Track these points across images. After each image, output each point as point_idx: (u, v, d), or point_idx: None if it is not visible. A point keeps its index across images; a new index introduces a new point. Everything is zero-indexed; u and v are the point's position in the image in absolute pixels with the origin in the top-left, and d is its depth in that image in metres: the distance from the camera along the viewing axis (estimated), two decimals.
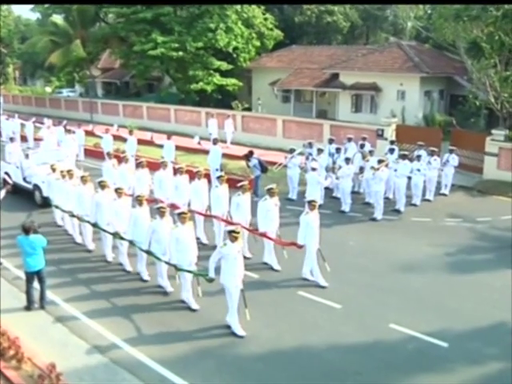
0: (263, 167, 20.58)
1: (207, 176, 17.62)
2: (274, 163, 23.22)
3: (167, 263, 12.06)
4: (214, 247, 12.21)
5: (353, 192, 19.51)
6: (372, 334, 10.67)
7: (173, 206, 15.06)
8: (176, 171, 16.74)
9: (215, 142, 22.01)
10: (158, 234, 12.20)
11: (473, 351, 10.08)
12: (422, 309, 11.67)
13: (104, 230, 14.15)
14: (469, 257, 14.88)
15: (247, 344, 10.34)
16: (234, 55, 40.20)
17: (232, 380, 9.28)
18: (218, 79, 38.51)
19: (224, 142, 28.46)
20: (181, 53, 36.70)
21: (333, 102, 38.57)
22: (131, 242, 13.05)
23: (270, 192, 13.77)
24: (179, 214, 11.80)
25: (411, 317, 11.31)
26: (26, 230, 11.47)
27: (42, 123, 29.81)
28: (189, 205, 15.54)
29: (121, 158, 19.10)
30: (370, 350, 10.07)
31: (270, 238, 13.58)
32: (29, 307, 11.68)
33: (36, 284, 11.78)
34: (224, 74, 39.32)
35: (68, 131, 26.84)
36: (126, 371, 9.44)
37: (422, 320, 11.17)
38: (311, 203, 12.87)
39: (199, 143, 23.84)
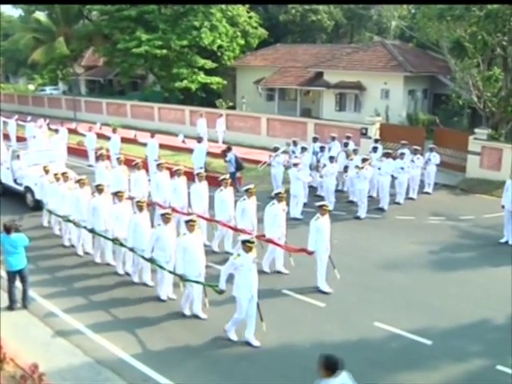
0: (238, 164, 20.92)
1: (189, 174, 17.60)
2: (258, 162, 23.28)
3: (172, 273, 11.56)
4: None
5: (337, 190, 19.57)
6: (356, 332, 10.69)
7: (172, 210, 14.43)
8: (174, 173, 16.13)
9: (200, 140, 21.97)
10: (162, 241, 11.60)
11: (456, 348, 10.14)
12: (406, 307, 11.72)
13: (102, 236, 13.61)
14: (452, 255, 14.98)
15: (231, 343, 10.30)
16: (219, 53, 40.14)
17: (216, 379, 9.25)
18: (202, 77, 38.41)
19: (214, 141, 28.32)
20: (165, 51, 36.55)
21: (317, 101, 38.62)
22: (132, 250, 12.52)
23: (278, 197, 13.34)
24: (187, 222, 11.18)
25: (395, 315, 11.35)
26: (7, 229, 11.39)
27: (25, 121, 29.54)
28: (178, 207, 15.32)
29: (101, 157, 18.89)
30: (355, 348, 10.09)
31: (277, 244, 13.06)
32: (11, 307, 11.57)
33: (18, 283, 11.67)
34: (208, 72, 39.24)
35: (55, 131, 26.40)
36: (110, 371, 9.39)
37: (406, 318, 11.23)
38: (322, 207, 12.44)
39: (184, 142, 23.77)
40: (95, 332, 10.69)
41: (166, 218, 11.70)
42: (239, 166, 21.05)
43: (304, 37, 51.70)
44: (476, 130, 23.45)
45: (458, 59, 25.96)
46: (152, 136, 23.40)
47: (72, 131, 28.36)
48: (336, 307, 11.65)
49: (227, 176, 15.59)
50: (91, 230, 13.87)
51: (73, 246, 15.19)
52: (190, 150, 22.60)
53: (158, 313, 11.51)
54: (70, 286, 12.85)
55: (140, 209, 12.55)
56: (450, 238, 16.31)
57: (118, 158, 18.20)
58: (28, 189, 18.68)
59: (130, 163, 17.90)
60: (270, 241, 13.09)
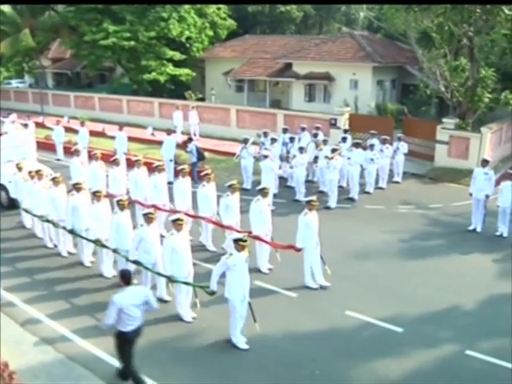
0: (200, 154, 21.09)
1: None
2: (229, 153, 23.27)
3: (159, 274, 11.10)
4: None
5: (307, 181, 19.65)
6: (328, 321, 10.77)
7: (154, 207, 14.23)
8: (154, 169, 15.62)
9: (169, 132, 21.85)
10: (146, 242, 11.11)
11: (427, 335, 10.29)
12: (377, 295, 11.85)
13: (82, 237, 13.10)
14: (422, 243, 15.18)
15: (203, 335, 10.30)
16: (187, 45, 39.79)
17: (191, 372, 9.25)
18: (170, 69, 38.07)
19: (187, 134, 28.12)
20: (133, 42, 36.10)
21: (286, 92, 38.62)
22: (115, 251, 12.06)
23: (263, 192, 13.00)
24: (175, 221, 10.70)
25: (366, 303, 11.46)
26: None
27: None
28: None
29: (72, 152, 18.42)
30: (326, 338, 10.17)
31: (264, 241, 12.80)
32: None
33: None
34: (177, 64, 38.90)
35: (24, 125, 25.33)
36: (82, 367, 9.29)
37: (377, 306, 11.34)
38: (310, 203, 12.19)
39: (153, 134, 23.59)
40: (66, 328, 10.56)
41: (148, 218, 11.18)
42: (201, 156, 21.15)
43: (273, 28, 51.58)
44: (444, 120, 23.74)
45: (425, 49, 26.16)
46: (120, 129, 23.15)
47: (39, 125, 27.88)
48: (308, 297, 11.71)
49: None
50: (71, 231, 13.32)
51: (56, 246, 14.52)
52: (160, 143, 22.44)
53: None
54: (40, 282, 12.66)
55: (121, 208, 12.02)
56: (419, 226, 16.51)
57: (94, 154, 17.33)
58: (2, 187, 17.79)
59: (105, 158, 17.62)
60: (257, 238, 12.76)
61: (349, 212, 17.83)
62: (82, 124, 24.83)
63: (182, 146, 21.92)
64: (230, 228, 13.33)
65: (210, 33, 41.50)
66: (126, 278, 8.46)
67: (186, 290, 10.76)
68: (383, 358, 9.58)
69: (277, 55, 38.29)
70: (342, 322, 10.71)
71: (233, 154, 21.62)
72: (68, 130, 25.96)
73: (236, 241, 9.75)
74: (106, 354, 9.66)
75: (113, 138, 23.19)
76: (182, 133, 27.93)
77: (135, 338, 8.54)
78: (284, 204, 17.93)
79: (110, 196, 14.60)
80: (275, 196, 18.09)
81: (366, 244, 14.82)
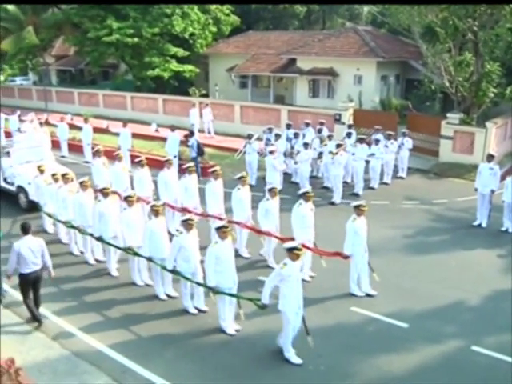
0: (200, 149, 20.99)
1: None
2: (232, 149, 23.25)
3: (199, 284, 10.64)
4: None
5: (311, 177, 19.65)
6: (333, 317, 10.78)
7: (184, 210, 14.02)
8: (184, 171, 15.04)
9: (173, 128, 21.84)
10: (185, 250, 10.48)
11: (431, 330, 10.28)
12: (382, 290, 11.81)
13: (111, 245, 12.49)
14: (426, 238, 15.16)
15: (209, 332, 10.31)
16: (191, 41, 39.77)
17: (195, 367, 9.26)
18: (174, 66, 38.06)
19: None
20: (136, 39, 36.11)
21: (290, 88, 38.57)
22: (150, 259, 11.47)
23: (306, 196, 12.27)
24: (219, 229, 10.00)
25: (371, 299, 11.47)
26: None
27: None
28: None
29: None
30: (332, 333, 10.17)
31: (308, 248, 12.22)
32: None
33: None
34: (180, 60, 38.90)
35: (41, 124, 25.04)
36: (88, 363, 9.31)
37: (381, 302, 11.35)
38: (359, 208, 11.45)
39: (157, 131, 23.59)
40: (71, 325, 10.61)
41: (188, 225, 10.53)
42: (200, 152, 21.08)
43: (276, 23, 51.53)
44: (448, 115, 23.66)
45: (429, 44, 26.07)
46: (124, 125, 23.16)
47: (44, 122, 27.85)
48: (312, 293, 11.67)
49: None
50: (99, 238, 12.68)
51: (82, 252, 14.03)
52: (164, 139, 22.43)
53: (135, 304, 11.47)
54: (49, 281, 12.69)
55: (156, 214, 11.39)
56: (423, 221, 16.49)
57: (117, 154, 16.62)
58: (21, 189, 17.27)
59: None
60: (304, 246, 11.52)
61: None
62: (86, 121, 24.86)
63: (184, 140, 21.78)
64: (268, 234, 12.74)
65: (214, 29, 41.48)
66: (24, 229, 10.39)
67: (230, 301, 10.20)
68: (388, 353, 9.59)
69: (280, 51, 38.21)
70: (346, 318, 10.72)
71: (236, 150, 21.61)
72: (72, 126, 26.00)
73: (290, 249, 9.03)
74: (111, 350, 9.71)
75: (117, 134, 23.22)
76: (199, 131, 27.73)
77: (33, 280, 10.45)
78: (288, 200, 17.85)
79: (141, 200, 14.07)
80: (280, 192, 18.02)
81: (371, 239, 14.63)
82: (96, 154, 17.19)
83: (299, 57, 36.89)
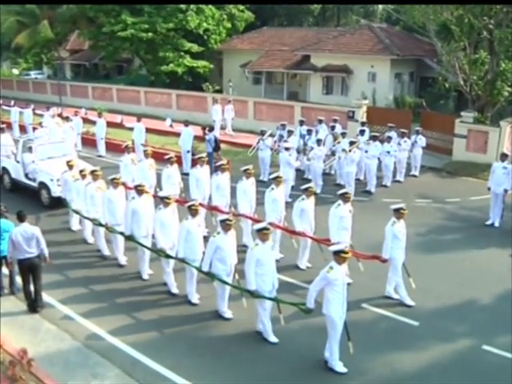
0: (217, 145, 20.74)
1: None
2: (245, 145, 23.24)
3: (237, 287, 10.37)
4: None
5: (324, 173, 19.61)
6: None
7: (215, 209, 13.92)
8: (216, 169, 14.69)
9: (187, 124, 21.86)
10: (222, 251, 10.12)
11: (443, 329, 10.26)
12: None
13: (142, 245, 12.04)
14: (438, 237, 15.11)
15: (220, 326, 10.37)
16: (205, 37, 39.83)
17: (205, 361, 9.31)
18: (188, 61, 38.15)
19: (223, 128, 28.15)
20: (151, 34, 36.23)
21: (304, 84, 38.53)
22: (183, 261, 10.95)
23: (345, 197, 11.89)
24: (260, 230, 9.62)
25: (383, 297, 11.44)
26: None
27: (10, 106, 29.12)
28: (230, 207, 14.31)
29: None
30: (344, 330, 10.15)
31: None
32: None
33: (5, 270, 11.57)
34: (195, 55, 38.97)
35: (66, 118, 24.59)
36: (99, 355, 9.40)
37: (393, 300, 11.32)
38: (399, 211, 11.08)
39: (171, 126, 23.65)
40: (83, 317, 10.69)
41: (226, 225, 10.18)
42: (217, 147, 20.94)
43: (290, 20, 51.50)
44: (462, 113, 23.51)
45: (444, 42, 25.96)
46: (138, 120, 23.25)
47: (57, 116, 27.96)
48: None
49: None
50: (129, 237, 12.27)
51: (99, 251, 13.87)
52: (177, 134, 22.47)
53: (146, 297, 11.54)
54: (64, 275, 12.77)
55: (193, 214, 10.92)
56: (436, 220, 16.43)
57: (145, 151, 16.51)
58: (43, 185, 16.89)
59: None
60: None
61: (365, 205, 17.75)
62: (100, 115, 24.98)
63: (202, 134, 21.63)
64: (303, 235, 12.52)
65: (228, 25, 41.52)
66: (20, 217, 10.87)
67: (270, 304, 9.87)
68: (399, 350, 9.59)
69: (294, 47, 38.20)
70: (359, 316, 10.68)
71: (250, 146, 21.59)
72: (86, 121, 26.13)
73: (337, 252, 8.77)
74: (122, 342, 9.78)
75: (131, 129, 23.31)
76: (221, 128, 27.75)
77: (28, 267, 10.83)
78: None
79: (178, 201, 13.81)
80: (292, 188, 18.06)
81: (382, 237, 14.63)
82: (125, 150, 17.02)
83: (313, 53, 36.85)
